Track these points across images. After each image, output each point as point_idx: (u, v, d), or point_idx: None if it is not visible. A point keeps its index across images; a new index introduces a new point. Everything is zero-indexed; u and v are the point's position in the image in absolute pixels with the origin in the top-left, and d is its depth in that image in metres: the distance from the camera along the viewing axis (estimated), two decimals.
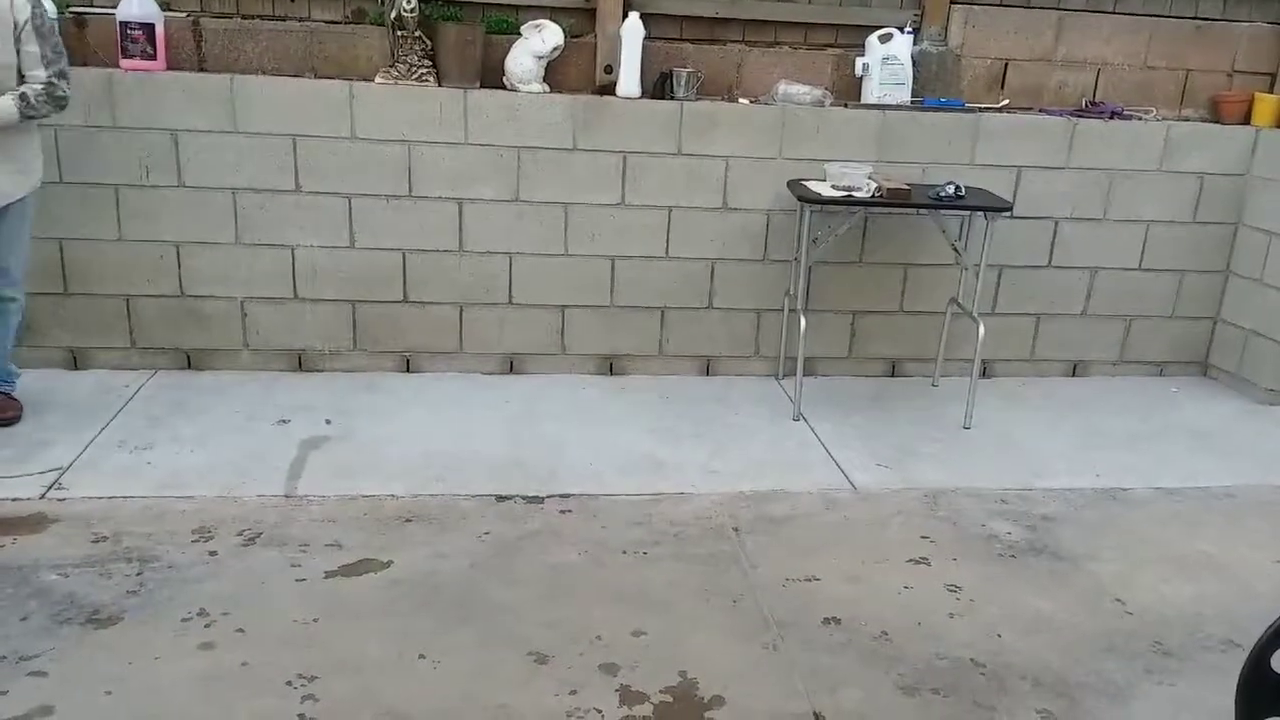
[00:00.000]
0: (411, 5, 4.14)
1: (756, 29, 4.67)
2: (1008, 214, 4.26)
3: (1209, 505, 3.67)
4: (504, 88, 4.32)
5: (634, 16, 4.33)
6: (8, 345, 3.78)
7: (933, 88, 4.67)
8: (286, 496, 3.38)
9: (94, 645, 2.56)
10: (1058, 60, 4.84)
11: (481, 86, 4.28)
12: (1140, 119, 4.74)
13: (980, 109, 4.65)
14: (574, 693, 2.48)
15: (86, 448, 3.60)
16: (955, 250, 4.43)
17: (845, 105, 4.55)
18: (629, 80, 4.35)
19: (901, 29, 4.57)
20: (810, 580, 3.04)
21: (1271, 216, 4.64)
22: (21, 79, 3.48)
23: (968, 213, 4.30)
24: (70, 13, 4.16)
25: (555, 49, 4.29)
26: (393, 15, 4.17)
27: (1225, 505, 3.68)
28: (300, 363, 4.46)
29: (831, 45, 4.73)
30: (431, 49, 4.24)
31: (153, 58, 4.09)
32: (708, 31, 4.65)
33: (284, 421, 3.93)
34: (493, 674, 2.54)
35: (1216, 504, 3.68)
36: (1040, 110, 4.78)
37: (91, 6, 4.21)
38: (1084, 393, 4.75)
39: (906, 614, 2.89)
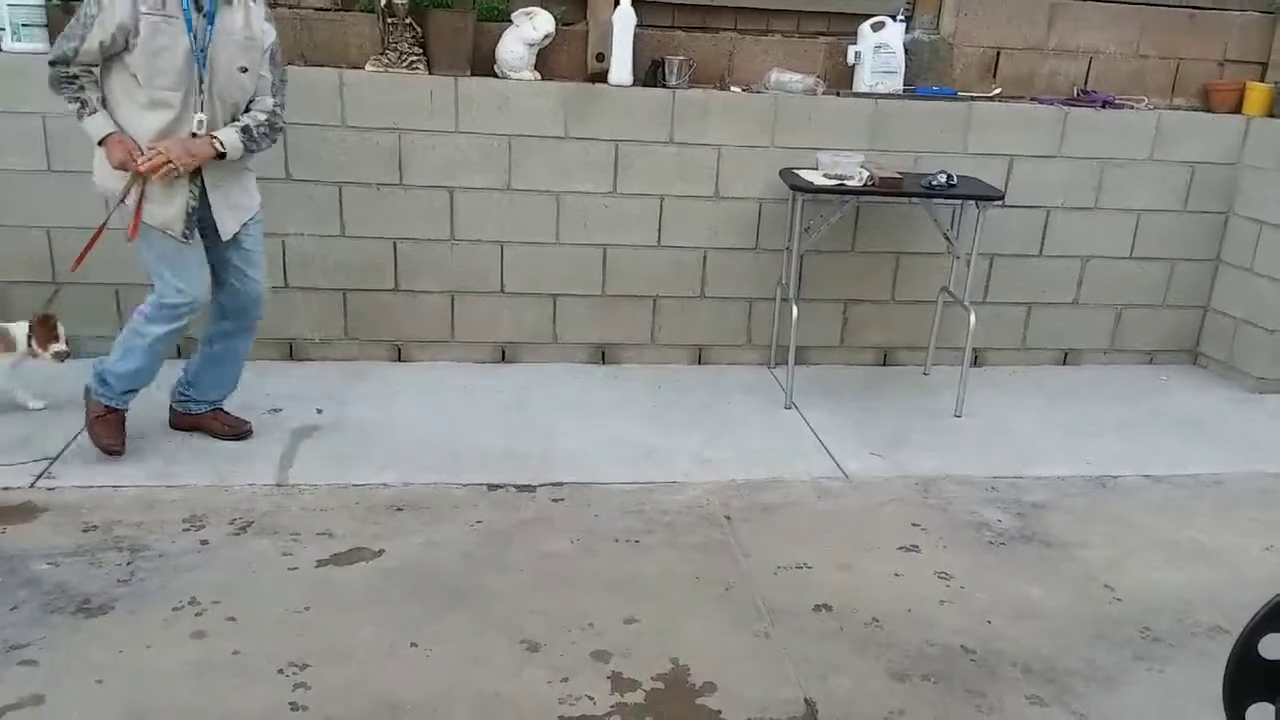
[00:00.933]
0: None
1: (748, 17, 4.66)
2: (999, 203, 4.26)
3: (1198, 493, 3.69)
4: (495, 75, 4.31)
5: (625, 4, 4.32)
6: (120, 349, 3.47)
7: (925, 76, 4.66)
8: (278, 485, 3.37)
9: (85, 634, 2.56)
10: (1050, 49, 4.84)
11: (472, 74, 4.26)
12: (1132, 108, 4.74)
13: (972, 98, 4.65)
14: (566, 680, 2.48)
15: (76, 437, 3.59)
16: (947, 239, 4.43)
17: (837, 94, 4.54)
18: (620, 68, 4.33)
19: (894, 17, 4.57)
20: (802, 568, 3.05)
21: (1262, 206, 4.65)
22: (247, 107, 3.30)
23: (959, 201, 4.30)
24: (57, 1, 4.12)
25: (546, 36, 4.28)
26: (383, 2, 4.15)
27: (1214, 493, 3.69)
28: (291, 351, 4.45)
29: (823, 33, 4.72)
30: (422, 36, 4.22)
31: None
32: (700, 19, 4.63)
33: (275, 410, 3.92)
34: (484, 662, 2.54)
35: (1206, 491, 3.70)
36: (1032, 99, 4.78)
37: None
38: (1075, 381, 4.76)
39: (897, 601, 2.90)
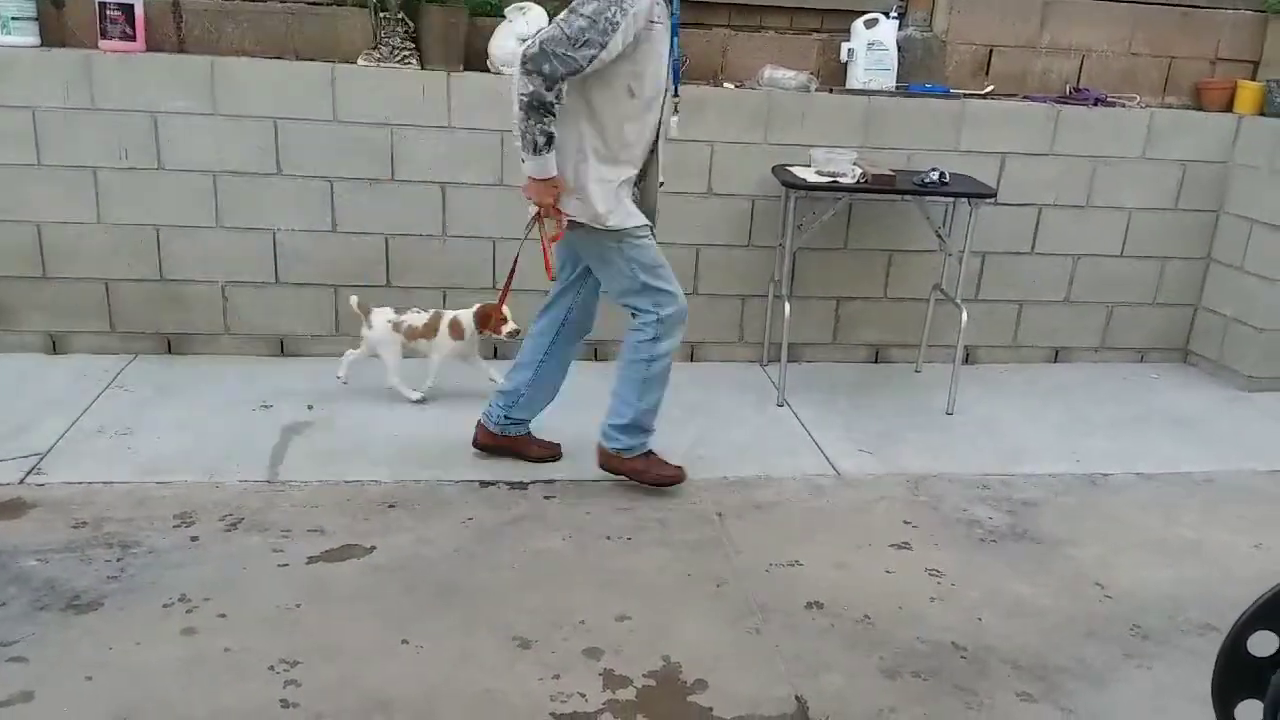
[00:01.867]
0: None
1: (742, 13, 4.66)
2: (991, 201, 4.27)
3: (1188, 490, 3.70)
4: (488, 71, 4.30)
5: None
6: (635, 393, 3.34)
7: (918, 73, 4.66)
8: (269, 482, 3.36)
9: (75, 631, 2.55)
10: (1042, 47, 4.85)
11: (465, 70, 4.25)
12: (1124, 106, 4.75)
13: (965, 95, 4.66)
14: (557, 677, 2.48)
15: (66, 433, 3.58)
16: (939, 237, 4.44)
17: (830, 90, 4.54)
18: None
19: (887, 14, 4.57)
20: (793, 565, 3.05)
21: (1252, 204, 4.67)
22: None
23: (952, 199, 4.31)
24: None
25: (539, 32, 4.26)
26: None
27: (1204, 490, 3.71)
28: (282, 347, 4.43)
29: (817, 30, 4.72)
30: (415, 31, 4.21)
31: (132, 39, 4.04)
32: (693, 15, 4.62)
33: (266, 406, 3.91)
34: (476, 659, 2.54)
35: (1196, 489, 3.71)
36: (1025, 97, 4.79)
37: None
38: (1066, 379, 4.77)
39: (889, 598, 2.90)
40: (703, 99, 4.35)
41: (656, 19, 2.99)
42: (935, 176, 4.11)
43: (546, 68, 2.86)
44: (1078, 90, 4.85)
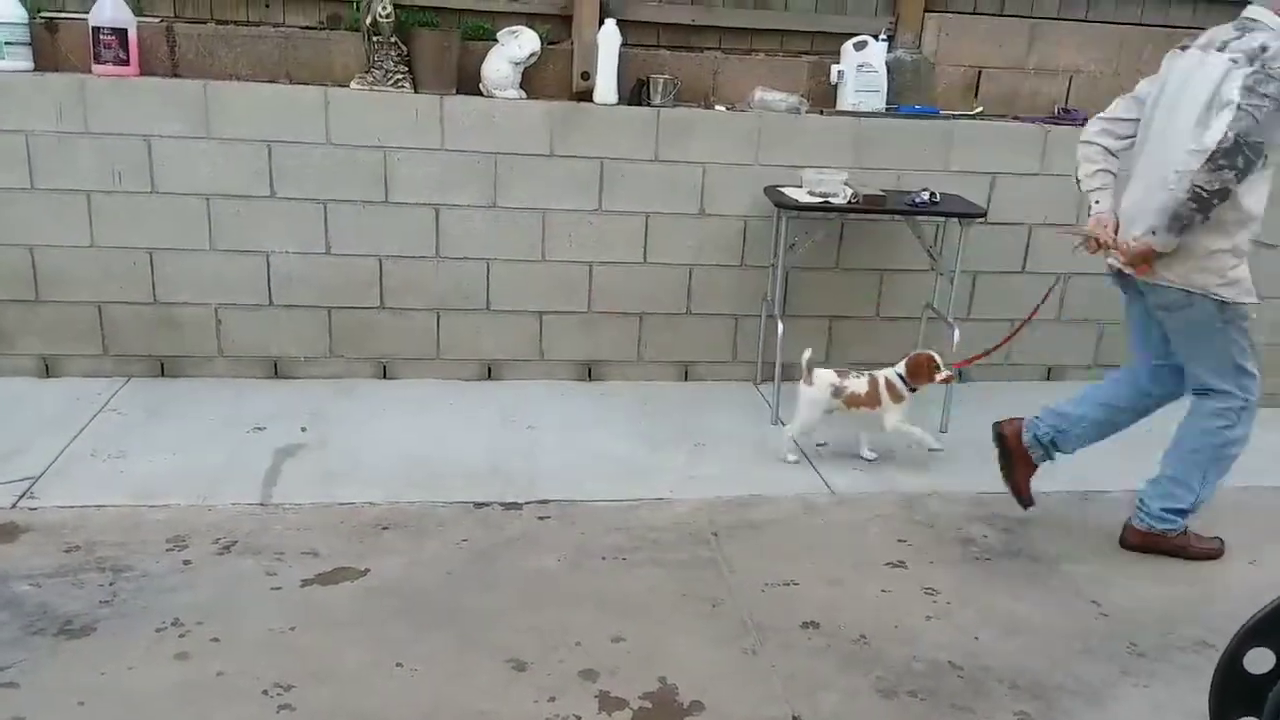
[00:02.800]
0: (387, 11, 4.13)
1: (733, 36, 4.70)
2: (982, 220, 4.29)
3: None
4: (480, 94, 4.32)
5: (610, 23, 4.34)
6: (1199, 478, 3.22)
7: (907, 95, 4.70)
8: (262, 504, 3.35)
9: (67, 656, 2.53)
10: (1031, 68, 4.89)
11: (458, 93, 4.27)
12: None
13: (954, 116, 4.69)
14: (553, 699, 2.47)
15: (58, 456, 3.56)
16: (930, 256, 4.46)
17: (821, 112, 4.57)
18: (606, 87, 4.35)
19: (876, 36, 4.61)
20: (789, 584, 3.04)
21: None
22: None
23: (942, 219, 4.33)
24: (42, 17, 4.12)
25: (532, 55, 4.30)
26: (368, 21, 4.16)
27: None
28: (275, 369, 4.43)
29: (807, 52, 4.76)
30: (407, 55, 4.23)
31: (126, 63, 4.06)
32: (684, 38, 4.67)
33: (259, 429, 3.90)
34: (470, 681, 2.52)
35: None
36: (1013, 117, 4.83)
37: (64, 11, 4.17)
38: (1058, 397, 4.77)
39: (884, 617, 2.90)
40: (694, 121, 4.38)
41: None
42: (926, 197, 4.13)
43: (1240, 161, 2.79)
44: (1066, 111, 4.88)
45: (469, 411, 4.19)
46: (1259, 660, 1.70)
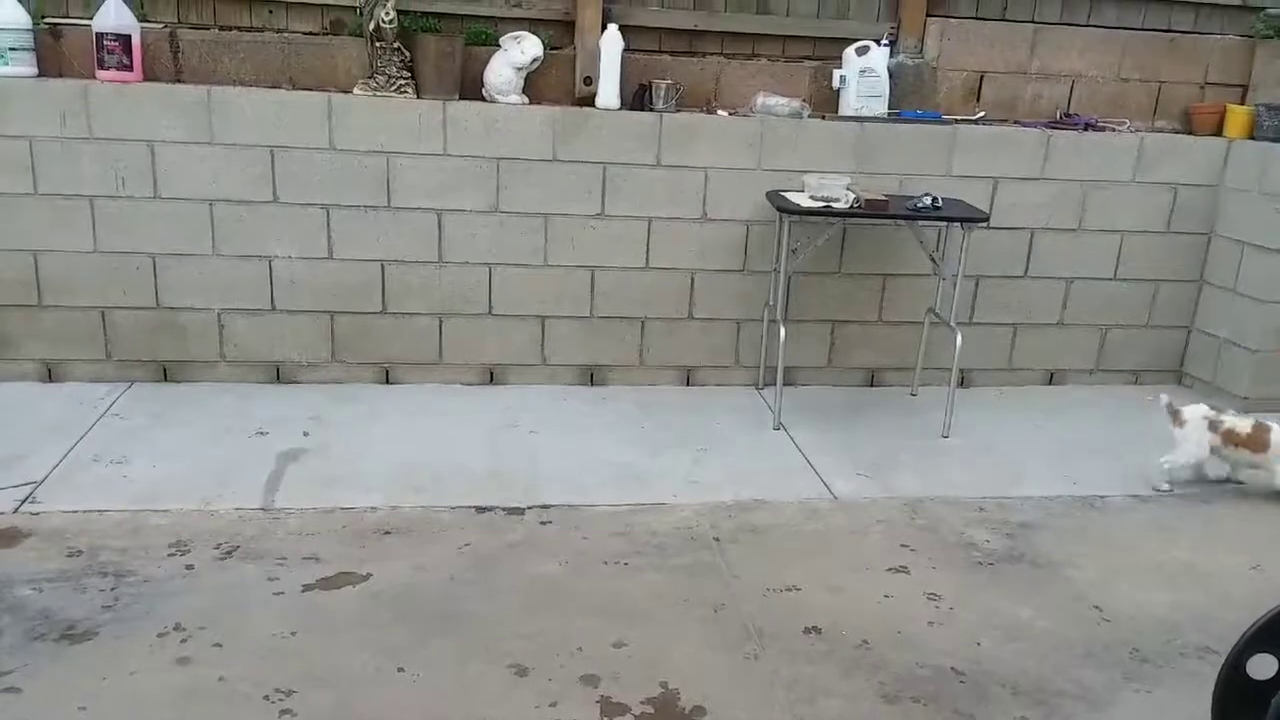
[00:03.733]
0: (390, 17, 4.14)
1: (735, 41, 4.70)
2: (984, 225, 4.30)
3: (1185, 513, 3.70)
4: (483, 99, 4.33)
5: (613, 29, 4.35)
6: None
7: (909, 100, 4.71)
8: (264, 509, 3.35)
9: (69, 661, 2.53)
10: (1033, 73, 4.89)
11: (461, 98, 4.28)
12: (1114, 130, 4.79)
13: (956, 121, 4.70)
14: (554, 705, 2.47)
15: (61, 461, 3.57)
16: (933, 260, 4.46)
17: (823, 117, 4.58)
18: (608, 92, 4.36)
19: (878, 41, 4.61)
20: (791, 590, 3.04)
21: (1243, 226, 4.70)
22: None
23: (945, 223, 4.33)
24: (46, 23, 4.13)
25: (534, 60, 4.30)
26: (371, 27, 4.17)
27: (1201, 512, 3.71)
28: (278, 374, 4.43)
29: (809, 57, 4.76)
30: (410, 60, 4.24)
31: (129, 69, 4.07)
32: (686, 44, 4.67)
33: (261, 433, 3.90)
34: (472, 686, 2.52)
35: (1192, 511, 3.71)
36: (1016, 122, 4.83)
37: (68, 17, 4.19)
38: (1061, 401, 4.78)
39: (887, 623, 2.90)
40: (697, 126, 4.38)
41: None
42: (928, 201, 4.13)
43: None
44: (1068, 115, 4.89)
45: (471, 416, 4.19)
46: (1262, 666, 1.69)
